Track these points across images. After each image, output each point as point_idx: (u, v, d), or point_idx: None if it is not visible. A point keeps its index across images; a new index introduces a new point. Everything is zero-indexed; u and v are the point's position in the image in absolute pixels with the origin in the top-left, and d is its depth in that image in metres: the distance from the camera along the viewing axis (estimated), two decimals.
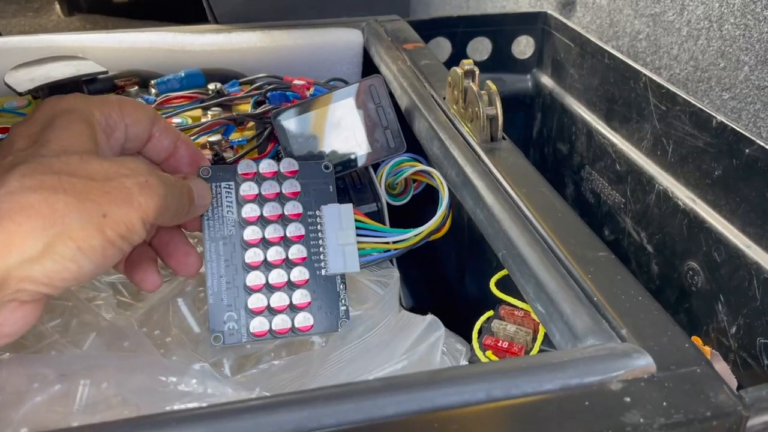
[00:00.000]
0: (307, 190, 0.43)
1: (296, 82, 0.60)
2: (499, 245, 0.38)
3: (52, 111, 0.34)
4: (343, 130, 0.53)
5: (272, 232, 0.42)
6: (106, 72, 0.62)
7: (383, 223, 0.54)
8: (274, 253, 0.41)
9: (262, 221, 0.42)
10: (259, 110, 0.59)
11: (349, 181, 0.54)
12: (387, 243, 0.46)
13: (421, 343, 0.36)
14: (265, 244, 0.41)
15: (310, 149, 0.51)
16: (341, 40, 0.71)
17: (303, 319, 0.41)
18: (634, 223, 0.61)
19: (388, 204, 0.53)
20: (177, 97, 0.62)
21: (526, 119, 0.80)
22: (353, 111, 0.54)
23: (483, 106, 0.47)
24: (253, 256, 0.41)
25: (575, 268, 0.34)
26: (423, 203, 0.54)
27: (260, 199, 0.42)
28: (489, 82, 0.48)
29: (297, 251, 0.41)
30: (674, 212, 0.55)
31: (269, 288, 0.41)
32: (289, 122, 0.51)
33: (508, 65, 0.79)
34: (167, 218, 0.34)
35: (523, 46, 0.79)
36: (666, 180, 0.57)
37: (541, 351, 0.37)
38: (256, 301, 0.40)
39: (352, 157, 0.53)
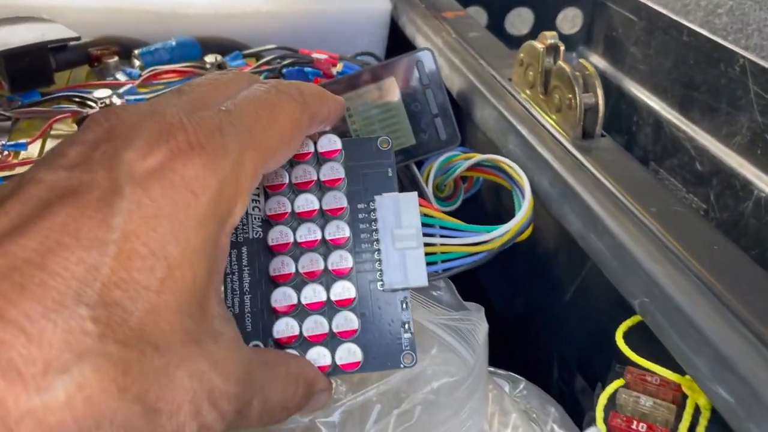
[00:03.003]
0: (354, 177, 0.31)
1: (317, 55, 0.49)
2: (637, 289, 0.28)
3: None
4: (382, 117, 0.42)
5: (306, 233, 0.29)
6: (78, 38, 0.50)
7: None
8: (308, 263, 0.29)
9: (293, 219, 0.30)
10: None
11: None
12: (465, 245, 0.34)
13: None
14: (296, 249, 0.30)
15: None
16: (364, 7, 0.59)
17: (347, 354, 0.29)
18: None
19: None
20: (167, 72, 0.50)
21: None
22: (395, 94, 0.42)
23: (579, 91, 0.36)
24: (280, 266, 0.29)
25: None
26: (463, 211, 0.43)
27: (290, 190, 0.30)
28: (583, 62, 0.37)
29: (339, 259, 0.29)
30: None
31: (301, 310, 0.29)
32: None
33: None
34: None
35: (563, 19, 0.68)
36: None
37: None
38: (285, 328, 0.29)
39: (395, 150, 0.42)
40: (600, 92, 0.36)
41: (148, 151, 0.20)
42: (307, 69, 0.49)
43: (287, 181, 0.30)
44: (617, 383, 0.29)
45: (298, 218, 0.30)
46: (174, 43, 0.52)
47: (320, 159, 0.31)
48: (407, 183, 0.45)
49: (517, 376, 0.36)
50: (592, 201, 0.31)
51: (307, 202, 0.30)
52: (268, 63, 0.50)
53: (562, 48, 0.39)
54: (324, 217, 0.30)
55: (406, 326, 0.30)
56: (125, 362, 0.18)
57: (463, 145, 0.43)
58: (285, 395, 0.25)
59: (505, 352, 0.53)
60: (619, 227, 0.29)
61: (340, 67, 0.48)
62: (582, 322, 0.41)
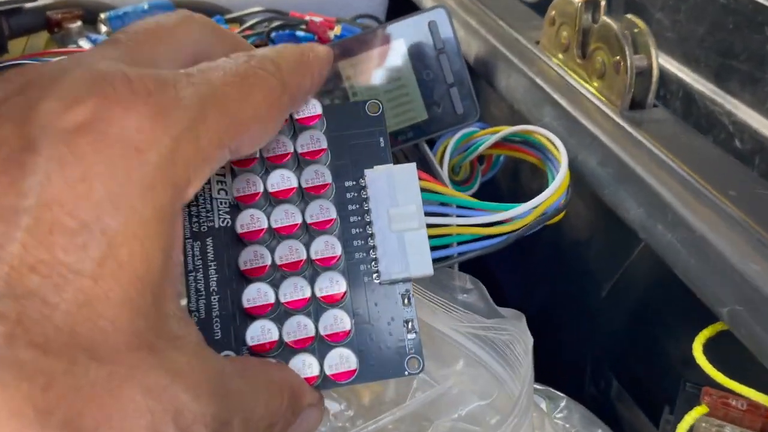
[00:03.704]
0: (339, 149, 0.26)
1: (312, 18, 0.42)
2: (726, 295, 0.22)
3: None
4: (389, 88, 0.37)
5: (282, 216, 0.24)
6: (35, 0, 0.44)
7: None
8: (287, 252, 0.24)
9: (266, 200, 0.25)
10: None
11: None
12: (479, 226, 0.29)
13: None
14: (271, 237, 0.24)
15: None
16: None
17: (338, 361, 0.24)
18: None
19: None
20: None
21: None
22: (404, 60, 0.37)
23: (630, 53, 0.30)
24: (253, 258, 0.24)
25: None
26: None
27: (261, 165, 0.25)
28: (631, 17, 0.31)
29: (324, 246, 0.24)
30: None
31: (281, 310, 0.24)
32: None
33: None
34: None
35: None
36: None
37: None
38: (261, 333, 0.23)
39: (403, 127, 0.37)
40: (654, 53, 0.30)
41: (74, 100, 0.15)
42: (299, 33, 0.43)
43: (257, 155, 0.24)
44: (699, 410, 0.23)
45: (273, 199, 0.24)
46: (146, 6, 0.47)
47: (296, 127, 0.25)
48: (418, 165, 0.40)
49: (556, 391, 0.30)
50: (657, 184, 0.26)
51: (282, 179, 0.24)
52: (252, 27, 0.44)
53: (603, 3, 0.33)
54: (304, 196, 0.24)
55: (410, 325, 0.24)
56: (47, 374, 0.13)
57: (481, 120, 0.37)
58: (269, 410, 0.21)
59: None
60: (696, 217, 0.24)
61: (337, 30, 0.42)
62: (622, 323, 0.36)
